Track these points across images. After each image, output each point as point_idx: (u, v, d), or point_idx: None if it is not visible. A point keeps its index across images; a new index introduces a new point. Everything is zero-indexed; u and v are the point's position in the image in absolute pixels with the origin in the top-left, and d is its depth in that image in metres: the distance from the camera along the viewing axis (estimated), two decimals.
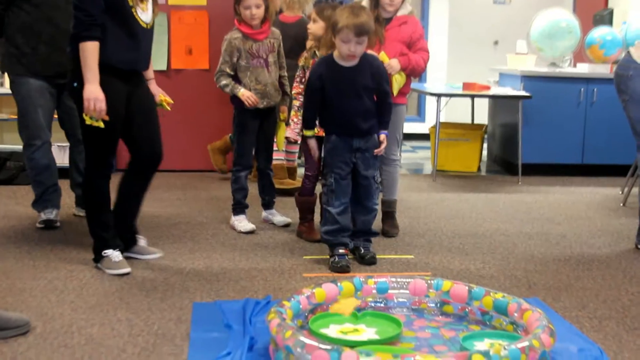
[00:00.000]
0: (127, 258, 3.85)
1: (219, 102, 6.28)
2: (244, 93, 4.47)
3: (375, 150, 3.97)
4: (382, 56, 4.29)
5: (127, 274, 3.69)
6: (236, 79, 4.54)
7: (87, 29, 3.48)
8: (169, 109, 4.07)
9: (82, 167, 4.72)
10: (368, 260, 4.04)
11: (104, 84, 3.54)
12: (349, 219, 4.03)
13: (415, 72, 4.52)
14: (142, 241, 4.02)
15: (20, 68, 4.43)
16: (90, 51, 3.49)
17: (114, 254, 3.75)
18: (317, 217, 4.57)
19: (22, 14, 4.37)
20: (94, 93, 3.50)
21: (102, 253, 3.75)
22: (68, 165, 4.86)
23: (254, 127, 4.60)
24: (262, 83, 4.52)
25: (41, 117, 4.49)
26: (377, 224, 4.69)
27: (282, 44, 4.66)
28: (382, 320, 3.00)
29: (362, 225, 4.10)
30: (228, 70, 4.52)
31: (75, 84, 3.57)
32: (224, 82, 4.52)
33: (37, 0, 4.34)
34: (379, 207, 4.15)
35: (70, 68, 3.63)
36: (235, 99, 4.56)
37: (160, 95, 4.04)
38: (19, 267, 3.82)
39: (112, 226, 3.82)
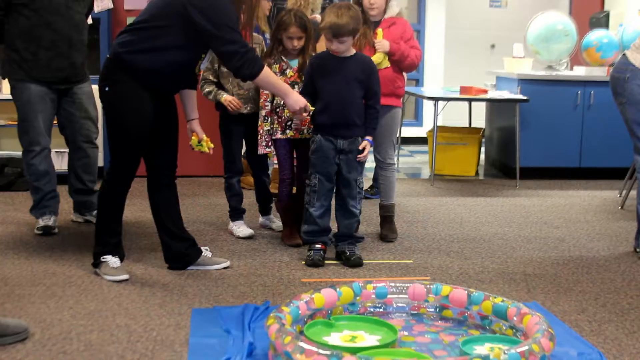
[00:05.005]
0: (190, 270, 3.88)
1: (207, 110, 6.23)
2: (226, 98, 4.46)
3: (359, 156, 4.03)
4: (377, 56, 4.32)
5: (125, 280, 3.68)
6: (220, 85, 4.54)
7: (253, 63, 3.58)
8: (209, 151, 4.04)
9: (80, 173, 4.74)
10: (354, 262, 4.03)
11: (132, 91, 3.59)
12: (328, 221, 4.12)
13: (403, 62, 4.45)
14: (206, 252, 4.01)
15: (21, 73, 4.43)
16: (267, 75, 3.67)
17: (113, 260, 3.74)
18: None
19: (21, 19, 4.36)
20: (298, 101, 3.79)
21: (101, 258, 3.74)
22: (67, 171, 4.85)
23: (239, 132, 4.59)
24: (245, 88, 4.50)
25: (41, 123, 4.49)
26: (374, 229, 4.71)
27: (264, 49, 4.62)
28: (371, 325, 2.99)
29: (344, 229, 4.13)
30: (211, 77, 4.53)
31: (106, 88, 3.63)
32: (207, 89, 4.52)
33: (37, 5, 4.34)
34: (361, 214, 4.19)
35: (103, 72, 3.70)
36: (219, 106, 4.55)
37: (203, 136, 4.02)
38: (17, 273, 3.81)
39: (119, 234, 3.81)
